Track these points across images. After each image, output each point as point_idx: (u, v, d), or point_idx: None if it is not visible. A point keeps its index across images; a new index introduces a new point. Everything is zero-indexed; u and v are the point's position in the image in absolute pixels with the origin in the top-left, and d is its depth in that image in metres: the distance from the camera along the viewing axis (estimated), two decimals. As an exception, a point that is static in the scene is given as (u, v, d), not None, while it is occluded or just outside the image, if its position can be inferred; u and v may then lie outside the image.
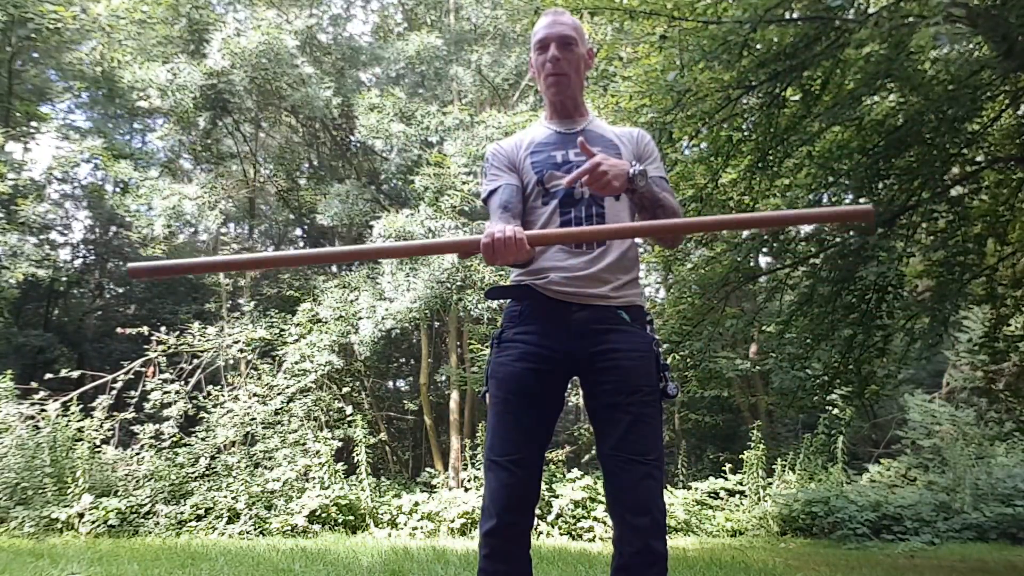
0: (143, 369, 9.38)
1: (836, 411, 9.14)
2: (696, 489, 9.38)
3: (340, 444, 9.25)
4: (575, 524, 8.05)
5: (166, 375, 9.30)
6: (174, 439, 8.69)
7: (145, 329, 9.44)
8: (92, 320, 14.96)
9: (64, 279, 12.17)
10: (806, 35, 4.47)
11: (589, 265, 1.85)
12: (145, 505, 7.84)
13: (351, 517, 8.12)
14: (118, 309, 15.14)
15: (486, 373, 1.94)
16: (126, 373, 9.35)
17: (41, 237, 11.55)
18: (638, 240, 2.06)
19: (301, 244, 16.07)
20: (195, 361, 9.77)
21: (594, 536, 7.80)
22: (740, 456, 9.57)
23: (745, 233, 6.27)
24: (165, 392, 8.97)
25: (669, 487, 9.47)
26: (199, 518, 7.85)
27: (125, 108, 13.88)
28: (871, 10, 4.15)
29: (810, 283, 6.04)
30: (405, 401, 12.65)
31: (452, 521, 7.98)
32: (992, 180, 5.86)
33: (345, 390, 10.43)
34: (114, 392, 9.07)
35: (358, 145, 12.30)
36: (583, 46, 1.99)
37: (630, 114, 5.02)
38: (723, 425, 12.41)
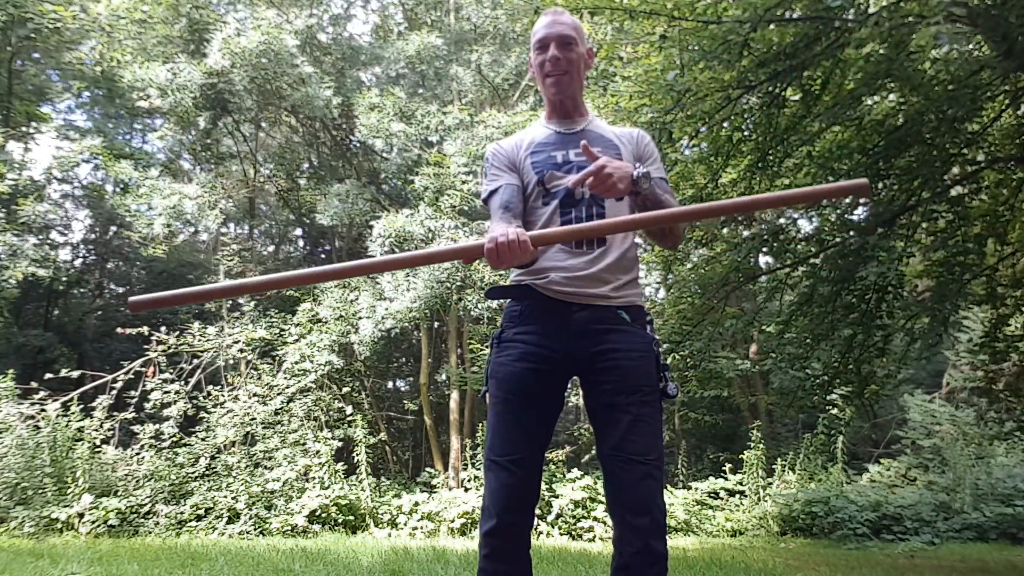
0: (143, 369, 9.38)
1: (836, 411, 9.14)
2: (696, 489, 9.38)
3: (340, 444, 9.25)
4: (575, 524, 8.05)
5: (166, 375, 9.30)
6: (174, 439, 8.69)
7: (145, 329, 9.45)
8: (92, 320, 14.96)
9: (64, 279, 12.18)
10: (806, 35, 4.47)
11: (589, 265, 1.85)
12: (145, 505, 7.84)
13: (351, 517, 8.12)
14: (118, 309, 15.13)
15: (486, 373, 1.94)
16: (126, 373, 9.35)
17: (41, 237, 11.55)
18: (638, 240, 2.06)
19: (301, 244, 16.07)
20: (195, 361, 9.77)
21: (594, 536, 7.80)
22: (740, 456, 9.57)
23: (745, 233, 6.27)
24: (165, 392, 8.97)
25: (669, 487, 9.46)
26: (199, 518, 7.85)
27: (125, 108, 13.87)
28: (871, 10, 4.15)
29: (810, 283, 6.04)
30: (405, 401, 12.65)
31: (452, 521, 7.98)
32: (992, 180, 5.86)
33: (345, 390, 10.43)
34: (114, 392, 9.07)
35: (358, 145, 12.30)
36: (583, 46, 1.99)
37: (630, 114, 5.03)
38: (723, 425, 12.41)
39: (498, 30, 11.27)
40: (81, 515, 7.45)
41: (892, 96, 5.42)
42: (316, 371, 9.59)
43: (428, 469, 10.52)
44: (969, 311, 8.27)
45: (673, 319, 7.05)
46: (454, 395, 10.71)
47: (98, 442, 8.46)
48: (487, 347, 1.98)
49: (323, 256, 14.71)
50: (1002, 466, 8.79)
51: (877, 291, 5.64)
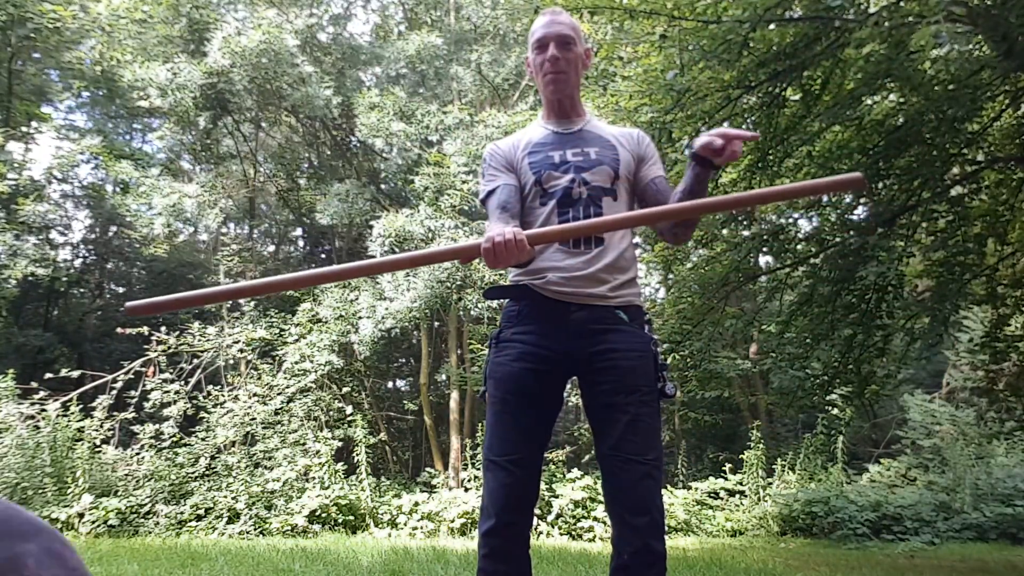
0: (143, 369, 9.38)
1: (836, 411, 9.14)
2: (696, 489, 9.37)
3: (340, 444, 9.25)
4: (575, 524, 8.05)
5: (166, 375, 9.30)
6: (174, 439, 8.69)
7: (145, 329, 9.45)
8: (92, 320, 14.96)
9: (64, 279, 12.17)
10: (806, 35, 4.47)
11: (587, 265, 1.85)
12: (145, 505, 7.84)
13: (351, 517, 8.12)
14: (118, 309, 15.12)
15: (484, 373, 1.94)
16: (126, 373, 9.35)
17: (41, 237, 11.55)
18: (637, 240, 2.06)
19: (301, 244, 16.08)
20: (195, 361, 9.78)
21: (594, 536, 7.80)
22: (740, 456, 9.57)
23: (745, 233, 6.26)
24: (165, 392, 8.97)
25: (669, 487, 9.46)
26: (199, 518, 7.85)
27: (125, 108, 13.88)
28: (871, 10, 4.15)
29: (810, 283, 6.04)
30: (405, 401, 12.64)
31: (452, 521, 7.98)
32: (992, 180, 5.86)
33: (345, 390, 10.43)
34: (114, 392, 9.07)
35: (358, 145, 12.31)
36: (581, 46, 1.99)
37: (630, 114, 5.03)
38: (723, 425, 12.41)
39: (498, 30, 11.27)
40: (81, 515, 7.45)
41: (892, 96, 5.42)
42: (316, 371, 9.59)
43: (428, 469, 10.52)
44: (969, 311, 8.27)
45: (673, 319, 7.05)
46: (454, 395, 10.71)
47: (98, 442, 8.46)
48: (487, 347, 1.97)
49: (323, 256, 14.72)
50: (1002, 466, 8.79)
51: (877, 291, 5.64)
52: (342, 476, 8.69)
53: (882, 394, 7.88)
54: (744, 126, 5.41)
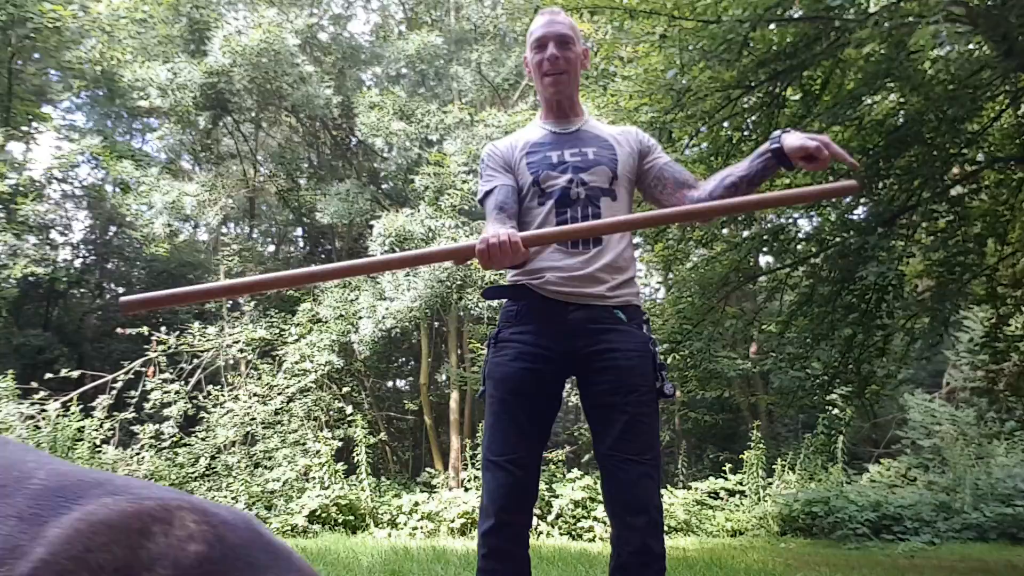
0: (143, 369, 9.38)
1: (836, 411, 9.14)
2: (696, 489, 9.37)
3: (340, 444, 9.25)
4: (575, 524, 8.05)
5: (166, 375, 9.29)
6: (174, 439, 8.69)
7: (145, 329, 9.44)
8: (92, 320, 14.96)
9: (64, 279, 12.17)
10: (806, 35, 4.47)
11: (585, 265, 1.85)
12: (145, 505, 7.83)
13: (351, 517, 8.12)
14: (118, 309, 15.11)
15: (483, 373, 1.94)
16: (126, 373, 9.34)
17: (41, 237, 11.55)
18: (636, 240, 2.06)
19: (301, 244, 16.06)
20: (195, 361, 9.77)
21: (594, 536, 7.80)
22: (740, 456, 9.57)
23: (745, 233, 6.26)
24: (165, 392, 8.97)
25: (669, 487, 9.46)
26: (199, 518, 7.83)
27: (125, 108, 13.88)
28: (871, 10, 4.14)
29: (810, 283, 6.05)
30: (405, 401, 12.64)
31: (452, 521, 7.98)
32: (992, 180, 5.86)
33: (345, 390, 10.43)
34: (114, 392, 9.06)
35: (358, 145, 12.31)
36: (579, 45, 1.99)
37: (630, 114, 5.03)
38: (723, 425, 12.41)
39: (498, 30, 11.28)
40: (81, 515, 7.44)
41: (892, 96, 5.41)
42: (316, 371, 9.59)
43: (428, 469, 10.52)
44: (969, 311, 8.26)
45: (673, 319, 7.05)
46: (454, 395, 10.71)
47: (98, 442, 8.45)
48: (486, 347, 1.97)
49: (323, 256, 14.71)
50: (1002, 466, 8.79)
51: (877, 291, 5.63)
52: (342, 476, 8.69)
53: (882, 394, 7.87)
54: (744, 126, 5.41)
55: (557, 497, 8.23)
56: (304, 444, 9.02)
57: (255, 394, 9.35)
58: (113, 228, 14.59)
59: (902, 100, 5.15)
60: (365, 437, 9.03)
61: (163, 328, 9.71)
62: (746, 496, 9.25)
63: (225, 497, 7.98)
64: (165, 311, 12.91)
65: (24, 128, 12.13)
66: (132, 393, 9.11)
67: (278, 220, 15.56)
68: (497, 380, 1.86)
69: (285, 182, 13.47)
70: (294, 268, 12.31)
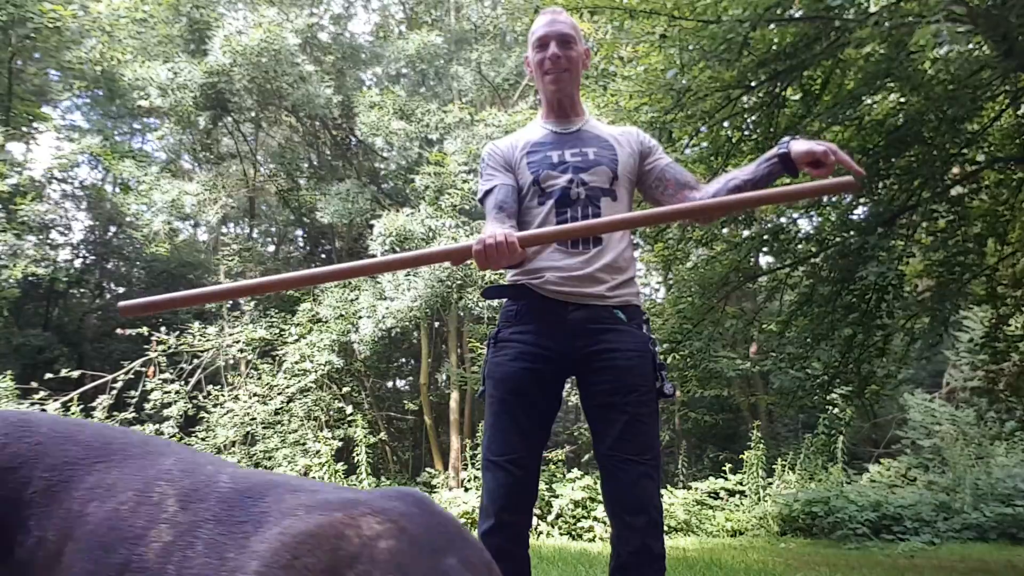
0: (143, 369, 9.38)
1: (836, 411, 9.14)
2: (696, 489, 9.37)
3: (340, 444, 9.25)
4: (575, 524, 8.05)
5: (166, 375, 9.30)
6: (174, 439, 8.69)
7: (145, 329, 9.45)
8: (92, 320, 14.95)
9: (64, 279, 12.17)
10: (806, 35, 4.47)
11: (585, 265, 1.85)
12: (145, 505, 7.83)
13: (351, 517, 8.11)
14: (118, 309, 15.10)
15: (483, 373, 1.94)
16: (126, 373, 9.35)
17: (41, 237, 11.55)
18: (636, 240, 2.07)
19: (301, 244, 16.06)
20: (195, 361, 9.77)
21: (594, 536, 7.80)
22: (740, 456, 9.57)
23: (745, 232, 6.26)
24: (165, 392, 8.97)
25: (669, 487, 9.46)
26: (199, 518, 7.84)
27: (125, 108, 13.87)
28: (871, 10, 4.14)
29: (810, 283, 6.04)
30: (405, 401, 12.64)
31: (452, 521, 7.97)
32: (992, 180, 5.86)
33: (345, 390, 10.43)
34: (114, 392, 9.07)
35: (358, 144, 12.31)
36: (581, 45, 2.00)
37: (630, 114, 5.02)
38: (723, 425, 12.41)
39: (498, 29, 11.28)
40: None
41: (892, 96, 5.41)
42: (316, 371, 9.59)
43: (428, 469, 10.51)
44: (969, 311, 8.26)
45: (673, 319, 7.05)
46: (454, 395, 10.71)
47: (98, 442, 8.44)
48: (486, 346, 1.97)
49: (323, 256, 14.71)
50: (1002, 466, 8.78)
51: (877, 291, 5.63)
52: (342, 476, 8.69)
53: (882, 394, 7.87)
54: (744, 126, 5.41)
55: (557, 497, 8.23)
56: (304, 444, 9.02)
57: (255, 394, 9.35)
58: (113, 228, 14.59)
59: (902, 100, 5.15)
60: (365, 437, 9.03)
61: (163, 328, 9.71)
62: (746, 496, 9.25)
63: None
64: (165, 311, 12.91)
65: (24, 128, 12.12)
66: (132, 393, 9.11)
67: (278, 220, 15.55)
68: (497, 380, 1.86)
69: (285, 182, 13.47)
70: (294, 268, 12.38)
